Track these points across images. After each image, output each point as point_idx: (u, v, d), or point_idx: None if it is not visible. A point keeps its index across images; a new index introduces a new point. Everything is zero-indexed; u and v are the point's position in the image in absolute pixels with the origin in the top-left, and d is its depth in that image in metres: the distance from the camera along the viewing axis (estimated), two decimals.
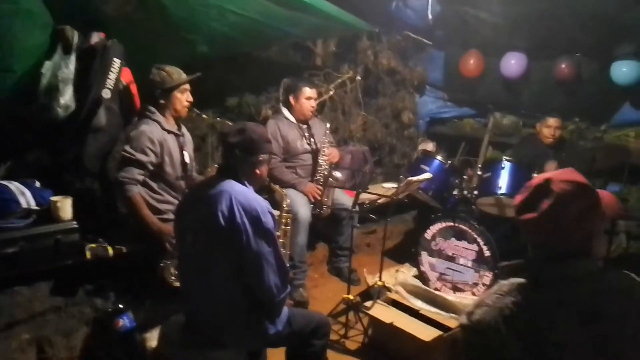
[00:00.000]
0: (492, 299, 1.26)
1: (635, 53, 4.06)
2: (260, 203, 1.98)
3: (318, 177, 3.66)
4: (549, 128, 4.10)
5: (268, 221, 1.96)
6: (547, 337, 1.17)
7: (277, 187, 2.83)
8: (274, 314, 2.05)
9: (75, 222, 2.59)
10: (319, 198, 3.56)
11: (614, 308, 1.18)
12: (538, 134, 4.21)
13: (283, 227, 2.76)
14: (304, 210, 3.42)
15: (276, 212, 2.37)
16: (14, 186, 2.56)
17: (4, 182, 2.56)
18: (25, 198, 2.55)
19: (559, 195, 1.21)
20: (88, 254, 2.62)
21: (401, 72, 5.20)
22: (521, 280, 1.27)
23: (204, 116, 3.22)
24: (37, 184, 2.71)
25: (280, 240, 2.57)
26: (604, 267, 1.30)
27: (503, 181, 3.37)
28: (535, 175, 3.43)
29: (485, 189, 3.48)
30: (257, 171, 2.11)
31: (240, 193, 1.97)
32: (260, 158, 2.09)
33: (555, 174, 1.28)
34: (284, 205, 2.76)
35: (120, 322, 2.59)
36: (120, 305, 2.65)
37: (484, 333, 1.23)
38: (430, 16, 4.46)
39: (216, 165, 2.56)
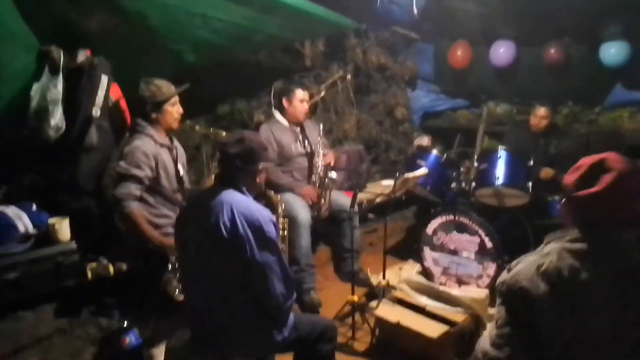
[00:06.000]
0: (532, 257, 1.37)
1: (622, 33, 4.06)
2: (261, 212, 1.97)
3: (314, 180, 3.65)
4: (535, 117, 4.13)
5: (270, 230, 1.96)
6: (579, 293, 1.28)
7: (271, 192, 2.81)
8: (281, 321, 2.05)
9: (74, 243, 2.58)
10: (316, 200, 3.54)
11: None
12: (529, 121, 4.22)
13: (281, 232, 2.75)
14: (303, 213, 3.40)
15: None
16: (11, 211, 2.55)
17: (1, 208, 2.55)
18: (23, 222, 2.54)
19: (620, 170, 1.30)
20: (89, 274, 2.61)
21: (391, 67, 5.20)
22: (562, 244, 1.34)
23: (197, 127, 3.20)
24: (34, 207, 2.69)
25: (280, 245, 2.56)
26: None
27: (500, 171, 3.36)
28: (531, 164, 3.43)
29: (483, 180, 3.47)
30: (258, 180, 2.12)
31: (242, 203, 1.96)
32: (260, 167, 2.10)
33: (604, 155, 1.35)
34: (280, 211, 2.75)
35: (126, 339, 2.57)
36: (126, 323, 2.64)
37: (521, 287, 1.32)
38: (415, 10, 4.45)
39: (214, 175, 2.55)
